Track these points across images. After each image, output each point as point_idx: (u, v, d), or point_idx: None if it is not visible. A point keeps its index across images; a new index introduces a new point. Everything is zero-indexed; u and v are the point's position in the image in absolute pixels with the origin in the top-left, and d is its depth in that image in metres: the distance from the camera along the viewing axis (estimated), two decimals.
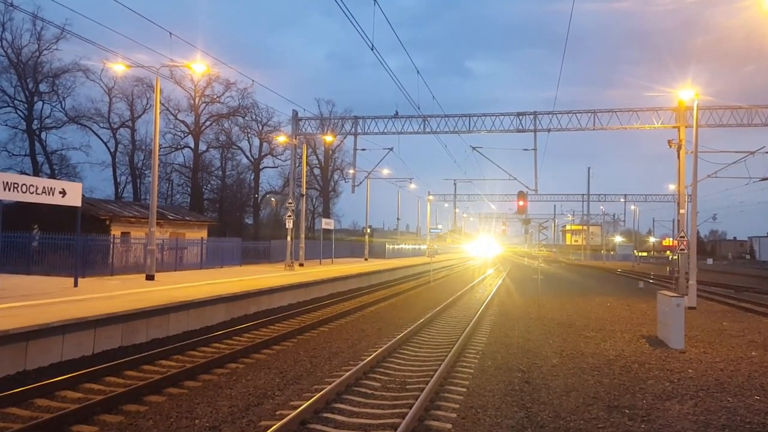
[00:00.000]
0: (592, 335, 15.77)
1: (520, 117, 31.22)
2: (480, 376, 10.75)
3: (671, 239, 64.86)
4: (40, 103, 49.81)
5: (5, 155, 48.00)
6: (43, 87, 49.46)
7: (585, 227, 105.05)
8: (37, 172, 46.97)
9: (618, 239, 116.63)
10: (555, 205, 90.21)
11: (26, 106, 48.71)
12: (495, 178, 52.56)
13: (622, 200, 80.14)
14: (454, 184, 72.94)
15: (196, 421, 8.08)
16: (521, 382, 10.34)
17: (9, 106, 47.98)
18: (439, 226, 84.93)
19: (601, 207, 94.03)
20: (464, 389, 9.81)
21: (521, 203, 35.27)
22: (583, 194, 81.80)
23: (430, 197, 73.70)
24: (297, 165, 38.42)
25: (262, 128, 63.87)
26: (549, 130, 30.93)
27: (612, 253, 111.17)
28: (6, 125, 48.16)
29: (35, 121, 49.37)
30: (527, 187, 33.75)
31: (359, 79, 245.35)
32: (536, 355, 12.91)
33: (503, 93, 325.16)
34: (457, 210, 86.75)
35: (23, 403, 8.67)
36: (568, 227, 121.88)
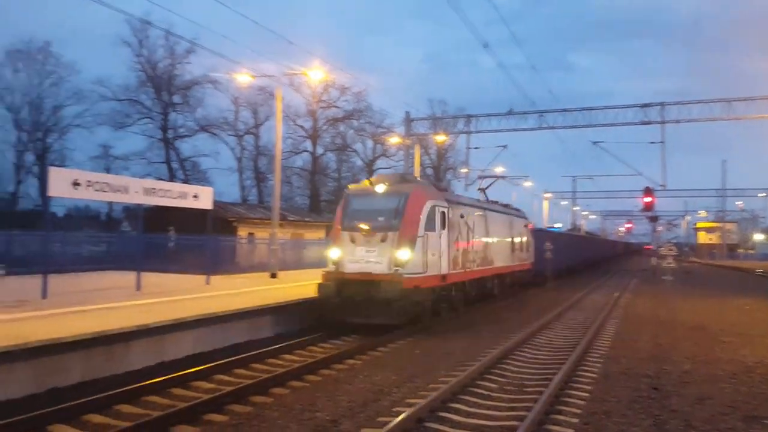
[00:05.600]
0: (729, 340, 14.58)
1: (645, 109, 29.56)
2: (603, 381, 10.28)
3: None
4: (174, 114, 54.10)
5: (144, 163, 52.86)
6: (176, 99, 53.65)
7: (720, 225, 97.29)
8: (171, 177, 50.92)
9: (758, 237, 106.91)
10: (686, 201, 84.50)
11: (162, 117, 53.10)
12: (618, 173, 49.62)
13: (763, 195, 73.67)
14: (573, 180, 70.22)
15: (317, 414, 8.35)
16: (649, 389, 9.77)
17: (147, 117, 52.64)
18: (559, 225, 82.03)
19: (738, 203, 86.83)
20: (587, 394, 9.42)
21: (648, 200, 33.44)
22: (717, 189, 76.01)
23: (547, 195, 71.50)
24: (410, 165, 38.72)
25: (376, 130, 65.06)
26: (678, 122, 29.08)
27: (751, 252, 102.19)
28: (145, 135, 53.00)
29: (170, 131, 53.67)
30: (654, 183, 31.96)
31: (458, 79, 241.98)
32: (665, 360, 12.14)
33: (610, 85, 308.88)
34: (577, 208, 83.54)
35: (161, 392, 9.39)
36: (700, 225, 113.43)
